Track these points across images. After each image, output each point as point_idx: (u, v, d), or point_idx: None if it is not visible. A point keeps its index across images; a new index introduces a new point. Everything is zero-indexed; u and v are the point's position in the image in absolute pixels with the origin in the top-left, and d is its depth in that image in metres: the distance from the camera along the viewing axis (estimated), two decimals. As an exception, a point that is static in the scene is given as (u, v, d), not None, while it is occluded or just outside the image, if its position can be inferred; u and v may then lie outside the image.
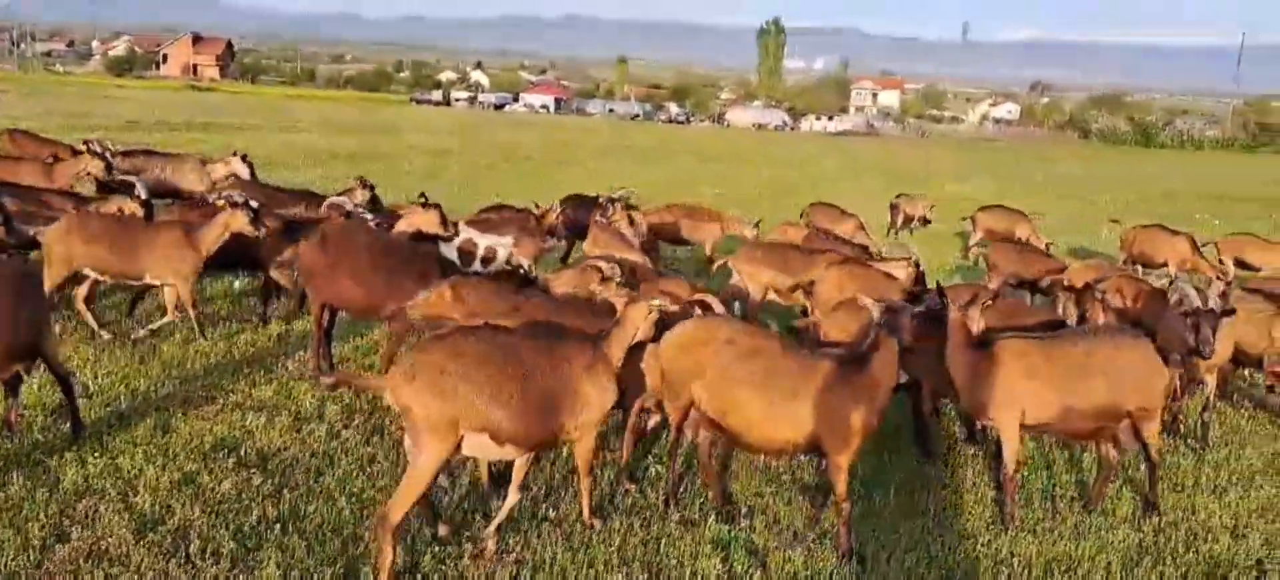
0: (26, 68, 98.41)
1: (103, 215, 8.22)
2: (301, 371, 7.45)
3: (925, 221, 19.00)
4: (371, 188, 11.52)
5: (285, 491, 5.38)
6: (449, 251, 8.45)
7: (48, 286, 7.11)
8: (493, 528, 4.94)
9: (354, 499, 5.36)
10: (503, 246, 8.63)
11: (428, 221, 8.14)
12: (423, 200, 8.46)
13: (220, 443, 5.94)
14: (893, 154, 56.25)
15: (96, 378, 6.95)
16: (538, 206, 10.99)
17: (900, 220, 19.94)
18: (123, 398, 6.61)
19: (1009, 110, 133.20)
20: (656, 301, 5.27)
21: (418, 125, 49.44)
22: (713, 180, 28.94)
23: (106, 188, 10.50)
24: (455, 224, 8.60)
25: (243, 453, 5.83)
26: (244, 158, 13.19)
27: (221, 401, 6.68)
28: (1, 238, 7.42)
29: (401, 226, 8.31)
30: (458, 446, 4.44)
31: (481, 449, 4.57)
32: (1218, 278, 14.45)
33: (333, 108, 65.08)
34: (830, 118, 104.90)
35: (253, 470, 5.58)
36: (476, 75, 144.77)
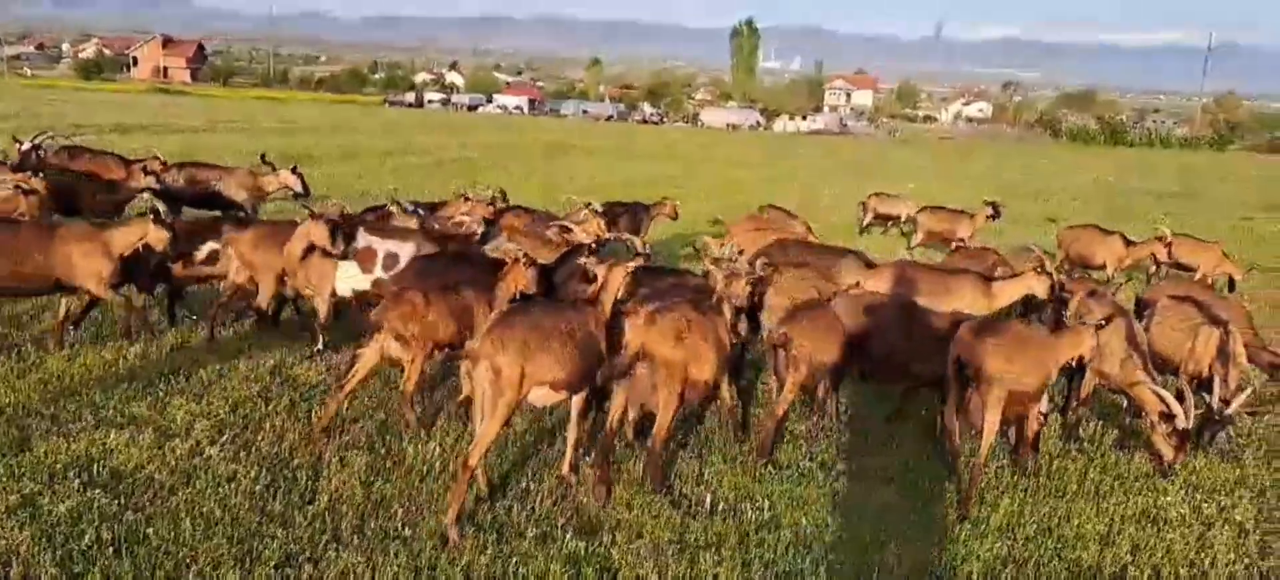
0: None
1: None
2: (182, 387, 7.29)
3: (912, 221, 18.49)
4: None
5: (128, 513, 5.24)
6: (347, 270, 8.35)
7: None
8: (566, 465, 6.15)
9: (201, 519, 5.24)
10: (404, 251, 8.52)
11: (317, 235, 7.97)
12: (310, 212, 8.30)
13: (73, 461, 5.77)
14: (858, 153, 56.43)
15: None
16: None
17: (869, 218, 19.88)
18: (-11, 414, 6.46)
19: (981, 109, 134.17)
20: (633, 264, 6.30)
21: (369, 128, 48.93)
22: (670, 182, 28.89)
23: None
24: (352, 230, 8.44)
25: (94, 472, 5.66)
26: (294, 169, 13.33)
27: (89, 418, 6.52)
28: None
29: (293, 243, 8.14)
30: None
31: (543, 398, 5.59)
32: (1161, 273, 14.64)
33: (294, 109, 64.50)
34: (803, 117, 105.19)
35: (99, 490, 5.41)
36: (452, 76, 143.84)
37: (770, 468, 6.65)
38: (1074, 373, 7.63)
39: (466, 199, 11.04)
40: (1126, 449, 7.51)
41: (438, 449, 6.41)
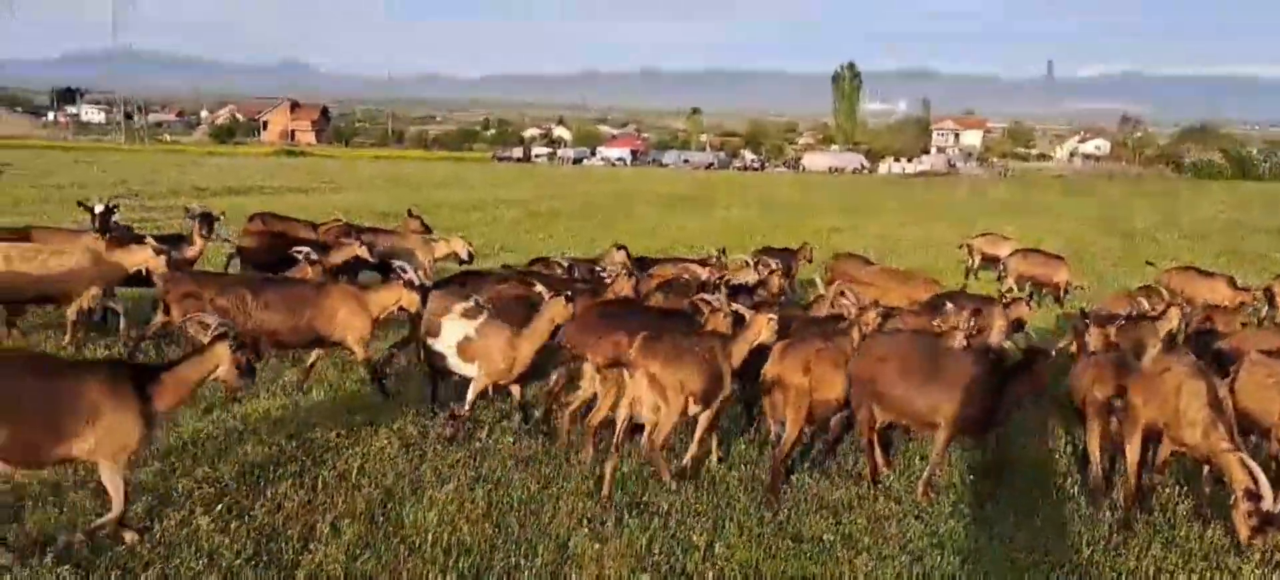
0: (134, 138, 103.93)
1: None
2: (197, 452, 7.24)
3: (1003, 265, 17.52)
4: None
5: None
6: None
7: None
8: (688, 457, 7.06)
9: None
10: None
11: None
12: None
13: (56, 533, 5.54)
14: (952, 195, 54.69)
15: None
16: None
17: (976, 260, 18.83)
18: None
19: (1098, 146, 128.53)
20: (774, 314, 7.31)
21: (462, 182, 49.95)
22: (747, 228, 28.39)
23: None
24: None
25: (74, 542, 5.46)
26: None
27: (90, 486, 6.38)
28: None
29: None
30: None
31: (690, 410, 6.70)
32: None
33: (397, 166, 66.88)
34: (908, 160, 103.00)
35: (67, 568, 5.19)
36: (559, 131, 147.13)
37: (790, 541, 6.14)
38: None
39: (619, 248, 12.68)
40: (1203, 520, 6.68)
41: (435, 517, 6.17)
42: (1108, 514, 6.79)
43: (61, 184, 33.12)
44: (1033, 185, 72.20)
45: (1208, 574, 6.00)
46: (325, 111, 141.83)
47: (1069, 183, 77.43)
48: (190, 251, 11.17)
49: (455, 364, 7.79)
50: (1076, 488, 7.33)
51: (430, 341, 7.94)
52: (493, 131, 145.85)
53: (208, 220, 11.40)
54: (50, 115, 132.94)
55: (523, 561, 5.71)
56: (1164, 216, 38.95)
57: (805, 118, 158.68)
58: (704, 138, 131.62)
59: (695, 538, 6.11)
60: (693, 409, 6.70)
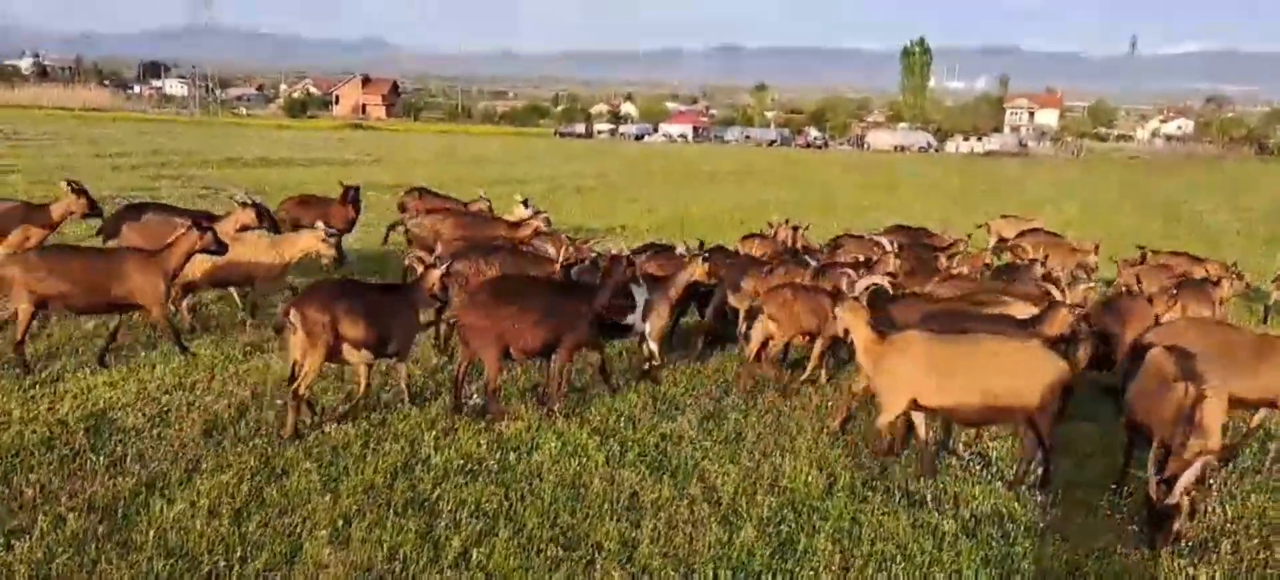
0: (209, 111, 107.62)
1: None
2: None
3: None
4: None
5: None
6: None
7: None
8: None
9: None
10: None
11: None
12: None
13: None
14: (1002, 176, 53.46)
15: None
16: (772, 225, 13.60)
17: (994, 240, 18.52)
18: None
19: (1180, 126, 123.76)
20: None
21: (513, 156, 50.41)
22: (781, 206, 28.42)
23: None
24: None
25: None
26: (526, 202, 13.50)
27: None
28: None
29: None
30: None
31: None
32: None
33: (452, 140, 67.92)
34: (977, 138, 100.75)
35: None
36: (627, 107, 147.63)
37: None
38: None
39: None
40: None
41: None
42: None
43: (103, 153, 34.83)
44: (1104, 166, 70.14)
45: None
46: (396, 86, 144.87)
47: (1143, 164, 75.00)
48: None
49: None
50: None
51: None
52: (562, 107, 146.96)
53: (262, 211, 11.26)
54: (136, 88, 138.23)
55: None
56: (1227, 200, 37.67)
57: (881, 96, 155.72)
58: (769, 114, 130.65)
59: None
60: None
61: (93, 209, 10.54)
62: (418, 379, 8.21)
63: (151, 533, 5.10)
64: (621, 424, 7.42)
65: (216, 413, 7.00)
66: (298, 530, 5.28)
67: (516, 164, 43.17)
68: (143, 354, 8.52)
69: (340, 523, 5.39)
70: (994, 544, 5.73)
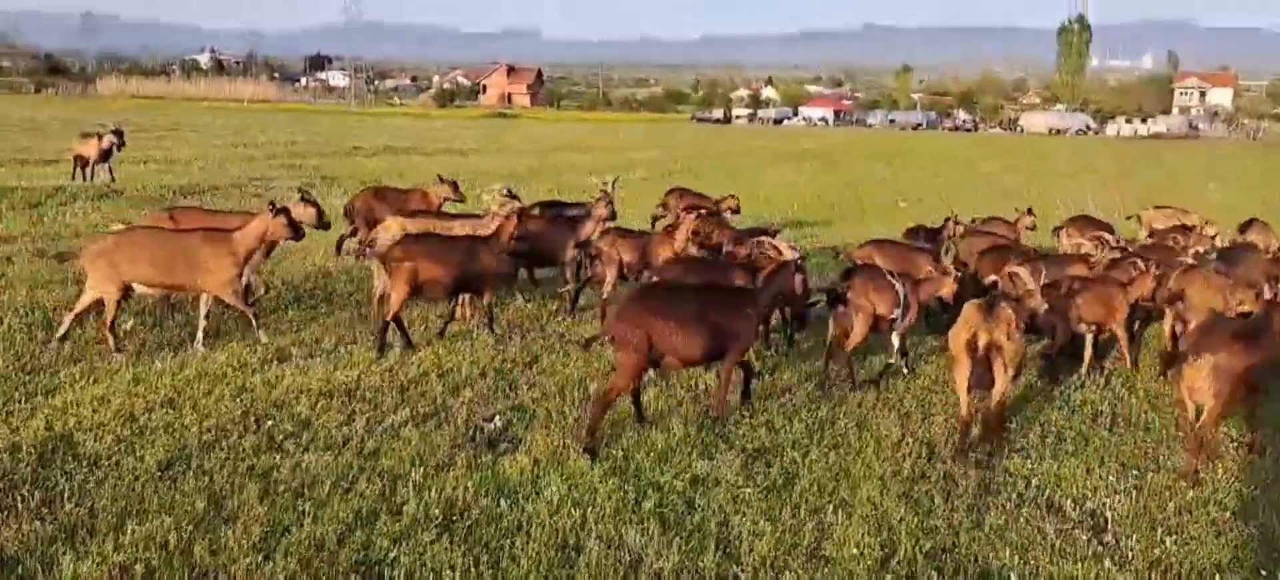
0: (362, 101, 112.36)
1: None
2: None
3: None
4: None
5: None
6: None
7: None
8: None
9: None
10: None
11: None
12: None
13: None
14: (1160, 158, 48.72)
15: None
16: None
17: (1145, 233, 16.69)
18: None
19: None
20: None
21: (623, 144, 49.49)
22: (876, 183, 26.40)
23: None
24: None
25: None
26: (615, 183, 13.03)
27: None
28: None
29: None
30: None
31: None
32: None
33: (569, 128, 67.71)
34: (1141, 120, 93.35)
35: None
36: (768, 91, 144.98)
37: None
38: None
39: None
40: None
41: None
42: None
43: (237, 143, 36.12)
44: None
45: None
46: (540, 75, 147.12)
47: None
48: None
49: None
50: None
51: None
52: (702, 93, 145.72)
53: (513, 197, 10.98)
54: (302, 80, 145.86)
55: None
56: None
57: (1034, 76, 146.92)
58: (915, 96, 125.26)
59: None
60: None
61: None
62: (439, 394, 7.39)
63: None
64: (648, 462, 6.33)
65: (188, 440, 6.26)
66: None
67: (621, 150, 42.42)
68: (157, 356, 8.06)
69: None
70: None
